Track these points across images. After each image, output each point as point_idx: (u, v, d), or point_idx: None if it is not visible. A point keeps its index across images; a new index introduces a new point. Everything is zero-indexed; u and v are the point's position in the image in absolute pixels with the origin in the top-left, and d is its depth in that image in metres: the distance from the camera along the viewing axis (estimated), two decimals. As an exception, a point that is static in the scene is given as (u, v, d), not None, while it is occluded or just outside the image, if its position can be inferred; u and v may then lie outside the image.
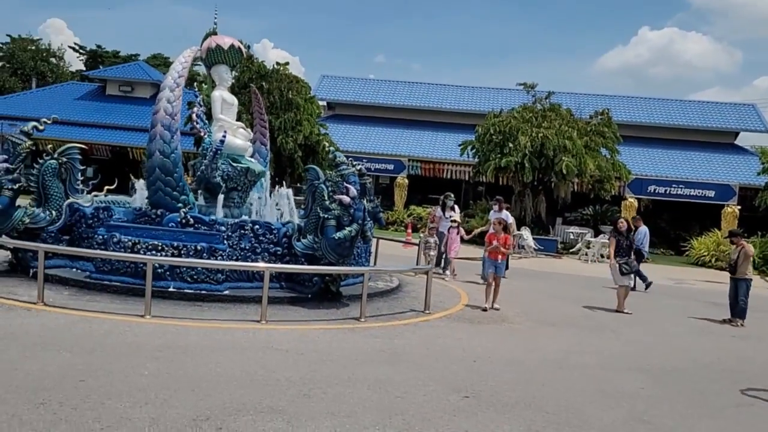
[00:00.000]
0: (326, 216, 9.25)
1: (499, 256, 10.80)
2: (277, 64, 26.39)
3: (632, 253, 11.89)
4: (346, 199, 9.20)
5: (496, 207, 15.55)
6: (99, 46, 56.94)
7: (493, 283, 10.60)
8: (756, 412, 6.37)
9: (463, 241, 14.66)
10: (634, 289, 13.53)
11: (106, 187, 11.59)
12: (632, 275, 12.40)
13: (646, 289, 14.53)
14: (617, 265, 11.40)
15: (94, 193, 11.08)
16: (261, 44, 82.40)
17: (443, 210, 14.76)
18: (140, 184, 11.11)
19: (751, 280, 11.37)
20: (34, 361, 5.95)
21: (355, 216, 9.20)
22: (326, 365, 6.65)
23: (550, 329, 9.53)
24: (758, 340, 10.27)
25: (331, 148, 10.19)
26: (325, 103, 30.12)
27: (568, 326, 9.89)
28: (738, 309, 11.19)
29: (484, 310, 10.39)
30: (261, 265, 9.04)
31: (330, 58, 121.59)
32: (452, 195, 15.38)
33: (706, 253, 23.35)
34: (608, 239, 13.37)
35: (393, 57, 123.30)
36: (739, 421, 6.05)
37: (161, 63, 51.52)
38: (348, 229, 9.13)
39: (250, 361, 6.56)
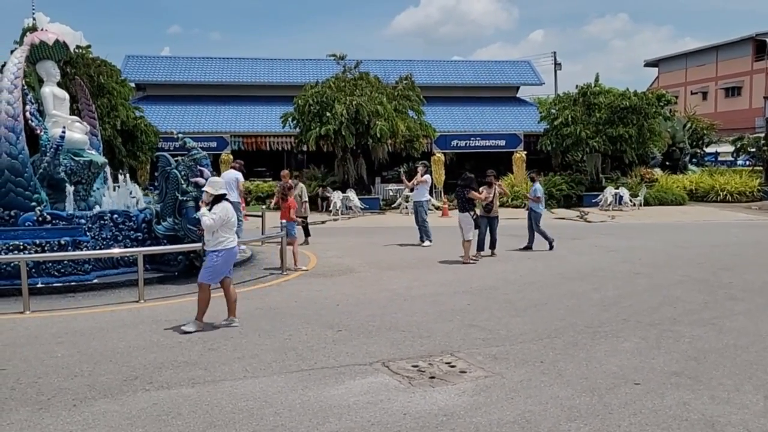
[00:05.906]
0: (184, 198, 10.06)
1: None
2: (78, 47, 25.13)
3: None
4: (201, 181, 10.04)
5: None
6: None
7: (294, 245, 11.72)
8: (548, 309, 8.62)
9: None
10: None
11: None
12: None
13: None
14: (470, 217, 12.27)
15: None
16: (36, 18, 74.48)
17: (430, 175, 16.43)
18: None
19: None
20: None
21: (212, 195, 10.11)
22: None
23: (391, 272, 11.30)
24: (536, 259, 12.99)
25: (180, 134, 10.82)
26: (133, 85, 29.15)
27: (404, 269, 11.75)
28: (492, 241, 13.22)
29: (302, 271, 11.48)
30: (136, 249, 9.65)
31: (117, 31, 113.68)
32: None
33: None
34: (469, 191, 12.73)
35: (189, 27, 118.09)
36: (535, 318, 8.21)
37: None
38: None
39: (147, 332, 7.42)
